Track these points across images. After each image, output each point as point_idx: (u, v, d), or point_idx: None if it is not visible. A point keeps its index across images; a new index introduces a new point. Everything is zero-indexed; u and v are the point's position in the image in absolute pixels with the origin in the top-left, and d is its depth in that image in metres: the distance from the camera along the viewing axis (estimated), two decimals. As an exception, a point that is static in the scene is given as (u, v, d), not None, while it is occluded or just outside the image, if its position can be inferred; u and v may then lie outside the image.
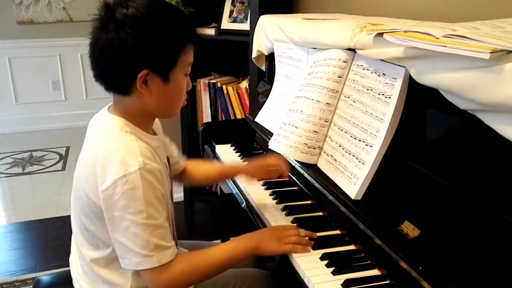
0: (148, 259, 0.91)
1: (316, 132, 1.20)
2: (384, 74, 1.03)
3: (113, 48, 0.91)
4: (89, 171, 0.94)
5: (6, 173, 3.39)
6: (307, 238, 1.06)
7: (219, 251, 1.02)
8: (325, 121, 1.19)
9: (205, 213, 2.75)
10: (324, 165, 1.19)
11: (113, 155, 0.92)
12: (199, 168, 1.33)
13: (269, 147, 1.28)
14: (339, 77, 1.17)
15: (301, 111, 1.22)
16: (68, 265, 1.16)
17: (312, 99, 1.20)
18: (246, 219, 1.27)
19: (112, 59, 0.92)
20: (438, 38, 0.78)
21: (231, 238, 1.07)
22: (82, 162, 1.00)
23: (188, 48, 0.97)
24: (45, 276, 1.26)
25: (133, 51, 0.91)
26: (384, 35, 0.93)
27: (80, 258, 1.08)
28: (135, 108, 0.98)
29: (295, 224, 1.14)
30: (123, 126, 0.97)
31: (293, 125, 1.23)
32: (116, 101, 1.00)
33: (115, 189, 0.89)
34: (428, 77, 0.86)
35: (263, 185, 1.36)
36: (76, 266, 1.11)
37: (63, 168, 3.48)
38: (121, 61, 0.92)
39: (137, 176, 0.90)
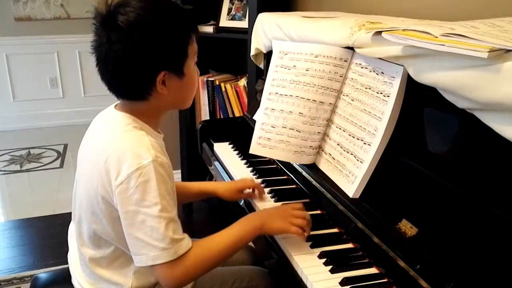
0: (166, 252, 0.91)
1: (320, 133, 1.20)
2: (382, 72, 1.03)
3: (127, 59, 0.91)
4: (99, 167, 0.93)
5: (4, 171, 3.38)
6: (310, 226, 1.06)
7: (227, 235, 1.01)
8: (327, 121, 1.19)
9: (204, 211, 2.75)
10: (322, 164, 1.19)
11: (126, 149, 0.92)
12: (178, 187, 1.32)
13: (261, 154, 1.24)
14: (340, 76, 1.16)
15: (300, 113, 1.19)
16: (66, 263, 1.16)
17: (315, 101, 1.17)
18: (244, 217, 1.27)
19: (129, 70, 0.92)
20: (436, 37, 0.78)
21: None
22: (88, 159, 1.00)
23: (192, 38, 0.98)
24: (43, 273, 1.26)
25: (148, 56, 0.91)
26: (383, 33, 0.93)
27: (80, 257, 1.08)
28: (150, 109, 0.99)
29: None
30: (132, 122, 0.97)
31: (293, 129, 1.20)
32: (126, 103, 1.00)
33: (130, 183, 0.89)
34: (426, 76, 0.86)
35: (262, 183, 1.36)
36: (76, 265, 1.11)
37: (61, 166, 3.48)
38: (138, 70, 0.92)
39: (151, 169, 0.90)
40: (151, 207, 0.90)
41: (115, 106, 1.03)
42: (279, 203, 1.24)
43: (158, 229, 0.90)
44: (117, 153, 0.92)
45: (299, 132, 1.20)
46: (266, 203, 1.26)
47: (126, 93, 0.98)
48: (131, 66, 0.92)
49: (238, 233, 1.02)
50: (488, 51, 0.68)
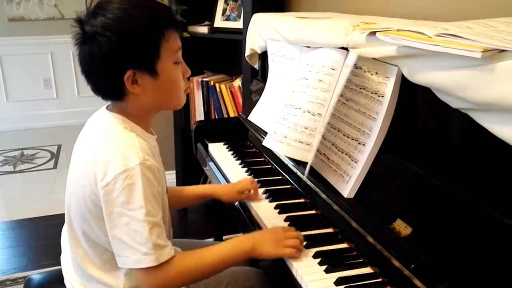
0: (148, 257, 0.90)
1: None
2: (377, 73, 1.03)
3: (93, 59, 0.92)
4: (87, 168, 0.93)
5: (-3, 172, 3.37)
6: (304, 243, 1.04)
7: (214, 252, 1.01)
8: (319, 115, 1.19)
9: (198, 212, 2.74)
10: (317, 164, 1.19)
11: (113, 151, 0.92)
12: (175, 192, 1.31)
13: (293, 156, 1.22)
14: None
15: (319, 114, 1.17)
16: (60, 264, 1.15)
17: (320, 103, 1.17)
18: (239, 217, 1.27)
19: (97, 70, 0.94)
20: (430, 37, 0.79)
21: (231, 238, 1.05)
22: (79, 160, 0.99)
23: (168, 36, 0.94)
24: (36, 274, 1.26)
25: (110, 56, 0.91)
26: (377, 34, 0.93)
27: (72, 258, 1.07)
28: (134, 109, 0.99)
29: (287, 223, 1.14)
30: (122, 123, 0.97)
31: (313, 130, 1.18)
32: (115, 104, 1.01)
33: (115, 185, 0.89)
34: (421, 76, 0.86)
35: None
36: (68, 266, 1.10)
37: (55, 167, 3.46)
38: (104, 69, 0.93)
39: (137, 172, 0.89)
40: (136, 211, 0.89)
41: (107, 107, 1.03)
42: (274, 203, 1.24)
43: (142, 233, 0.90)
44: (105, 155, 0.92)
45: (306, 128, 1.19)
46: (261, 203, 1.26)
47: (103, 93, 0.99)
48: (97, 66, 0.93)
49: (226, 252, 1.01)
50: (482, 51, 0.69)
